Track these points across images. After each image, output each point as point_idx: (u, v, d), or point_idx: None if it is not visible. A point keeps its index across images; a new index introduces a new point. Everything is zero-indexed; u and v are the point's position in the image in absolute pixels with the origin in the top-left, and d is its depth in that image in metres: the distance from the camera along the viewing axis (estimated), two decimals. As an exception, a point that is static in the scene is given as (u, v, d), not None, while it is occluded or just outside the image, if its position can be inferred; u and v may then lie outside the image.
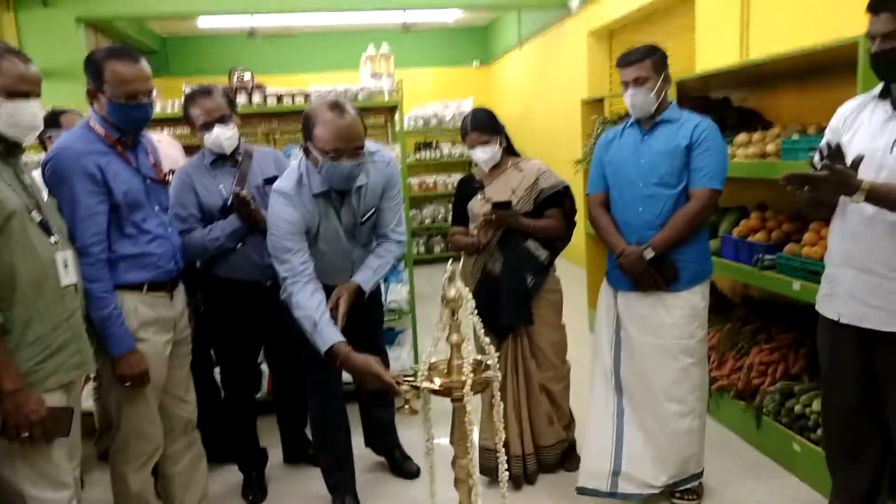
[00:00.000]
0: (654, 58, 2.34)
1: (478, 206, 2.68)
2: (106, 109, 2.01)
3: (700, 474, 2.54)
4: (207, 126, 2.51)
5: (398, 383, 1.78)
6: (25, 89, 1.70)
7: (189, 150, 3.10)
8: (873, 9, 1.81)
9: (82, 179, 1.94)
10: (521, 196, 2.64)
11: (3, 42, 1.76)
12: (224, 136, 2.52)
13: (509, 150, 2.73)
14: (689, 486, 2.52)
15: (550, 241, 2.67)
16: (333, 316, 2.18)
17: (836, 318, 1.98)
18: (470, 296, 1.66)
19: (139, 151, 2.14)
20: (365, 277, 2.37)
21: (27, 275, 1.69)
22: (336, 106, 2.14)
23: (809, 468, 2.59)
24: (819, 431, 2.55)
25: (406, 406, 1.73)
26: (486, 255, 2.67)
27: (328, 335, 2.09)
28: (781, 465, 2.77)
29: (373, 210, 2.41)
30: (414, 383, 1.71)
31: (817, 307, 2.07)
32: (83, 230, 1.94)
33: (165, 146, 3.05)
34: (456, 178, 7.96)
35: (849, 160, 1.82)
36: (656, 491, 2.47)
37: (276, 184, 2.32)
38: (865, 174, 1.85)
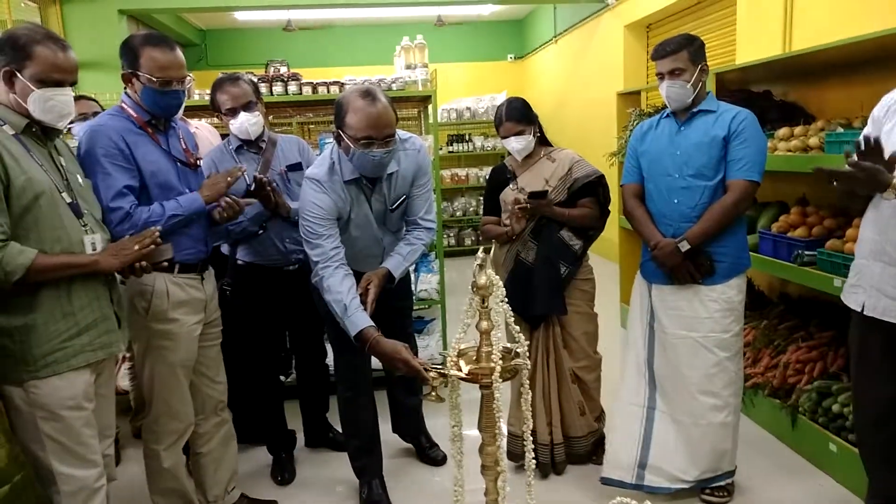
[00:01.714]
0: (691, 48, 2.29)
1: (510, 196, 2.66)
2: (140, 93, 2.06)
3: (732, 472, 2.49)
4: (233, 111, 2.56)
5: (426, 370, 1.79)
6: (58, 78, 1.72)
7: (225, 138, 3.14)
8: None
9: (110, 154, 1.98)
10: (555, 185, 2.61)
11: (43, 28, 1.79)
12: (249, 121, 2.56)
13: (542, 141, 2.71)
14: (720, 483, 2.47)
15: (584, 230, 2.64)
16: (363, 301, 2.19)
17: (859, 309, 1.94)
18: (500, 283, 1.65)
19: (170, 136, 2.18)
20: (395, 263, 2.38)
21: (55, 252, 1.72)
22: (368, 94, 2.15)
23: (846, 469, 2.51)
24: (858, 432, 2.48)
25: (433, 393, 1.74)
26: (520, 244, 2.66)
27: (358, 319, 2.11)
28: (817, 466, 2.70)
29: (403, 197, 2.41)
30: (441, 370, 1.72)
31: (842, 296, 2.03)
32: (107, 192, 1.97)
33: (205, 132, 3.12)
34: (487, 170, 7.94)
35: (888, 151, 1.77)
36: (686, 486, 2.43)
37: (308, 170, 2.35)
38: None
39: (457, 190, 8.12)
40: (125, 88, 2.11)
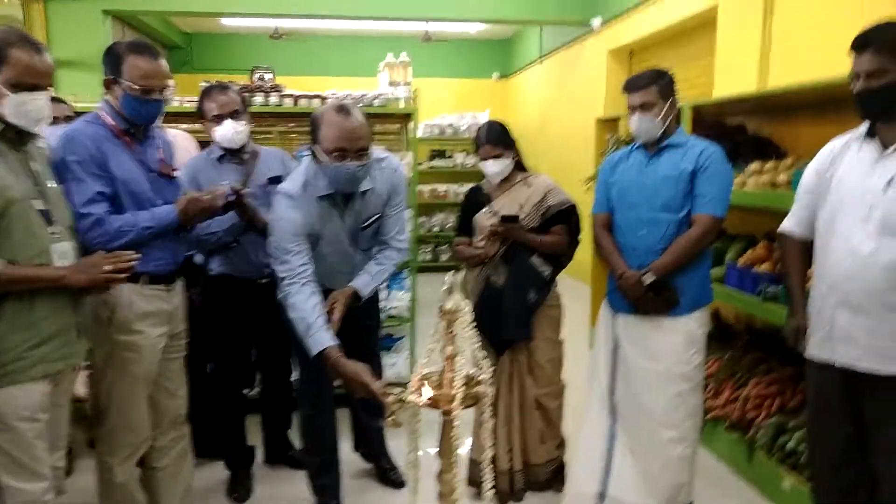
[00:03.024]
0: (661, 83, 2.34)
1: (484, 219, 2.68)
2: (120, 100, 2.05)
3: (690, 504, 2.51)
4: (219, 118, 2.55)
5: (385, 394, 1.76)
6: (32, 82, 1.70)
7: (204, 145, 3.13)
8: (856, 48, 1.83)
9: (83, 161, 1.97)
10: (528, 211, 2.63)
11: (17, 30, 1.76)
12: (235, 129, 2.57)
13: (519, 165, 2.73)
14: (677, 514, 2.49)
15: (554, 257, 2.67)
16: (328, 320, 2.18)
17: (830, 362, 1.95)
18: (468, 308, 1.65)
19: (147, 145, 2.16)
20: (363, 283, 2.38)
21: (24, 262, 1.70)
22: (342, 109, 2.17)
23: (799, 505, 2.55)
24: (812, 469, 2.51)
25: (391, 418, 1.72)
26: (490, 267, 2.67)
27: (321, 338, 2.10)
28: (770, 501, 2.73)
29: (376, 216, 2.42)
30: (400, 396, 1.70)
31: (809, 352, 2.03)
32: (79, 198, 1.95)
33: (182, 140, 3.09)
34: (467, 187, 7.95)
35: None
36: (643, 517, 2.44)
37: (280, 185, 2.34)
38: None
39: (435, 206, 8.14)
40: (105, 94, 2.10)
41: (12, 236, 1.68)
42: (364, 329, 2.63)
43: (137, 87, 2.01)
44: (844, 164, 1.96)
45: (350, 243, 2.40)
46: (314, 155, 2.24)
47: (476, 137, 2.68)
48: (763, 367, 3.17)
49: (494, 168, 2.63)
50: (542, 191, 2.66)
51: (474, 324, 2.39)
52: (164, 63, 2.09)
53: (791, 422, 2.75)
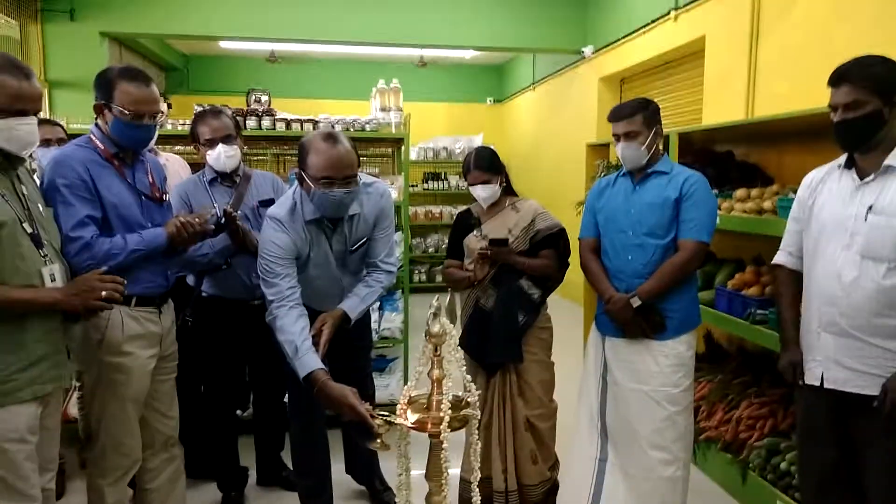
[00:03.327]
0: (646, 112, 2.39)
1: (474, 242, 2.71)
2: (110, 125, 2.08)
3: (681, 526, 2.52)
4: (212, 143, 2.60)
5: (372, 416, 1.77)
6: (20, 108, 1.72)
7: (196, 168, 3.16)
8: (834, 82, 1.90)
9: (72, 185, 1.99)
10: (517, 235, 2.67)
11: (5, 55, 1.76)
12: (227, 153, 2.61)
13: (508, 190, 2.78)
14: (668, 536, 2.49)
15: (543, 280, 2.70)
16: (316, 342, 2.20)
17: (818, 383, 1.98)
18: (454, 332, 1.67)
19: (137, 169, 2.19)
20: (352, 305, 2.40)
21: (11, 283, 1.71)
22: (330, 136, 2.21)
23: (791, 528, 2.56)
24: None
25: (379, 441, 1.72)
26: (480, 290, 2.70)
27: (308, 361, 2.10)
28: (764, 523, 2.74)
29: (364, 240, 2.46)
30: (388, 418, 1.70)
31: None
32: (67, 221, 1.96)
33: (175, 164, 3.13)
34: (461, 209, 8.02)
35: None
36: (634, 539, 2.44)
37: (270, 209, 2.37)
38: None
39: (430, 227, 8.18)
40: (96, 119, 2.13)
41: (2, 260, 1.70)
42: (355, 350, 2.65)
43: (128, 113, 2.05)
44: (825, 193, 2.03)
45: (338, 266, 2.44)
46: (301, 180, 2.27)
47: (465, 163, 2.72)
48: (754, 388, 3.20)
49: (483, 193, 2.67)
50: (531, 215, 2.70)
51: (464, 346, 2.42)
52: (154, 89, 2.12)
53: (783, 443, 2.78)
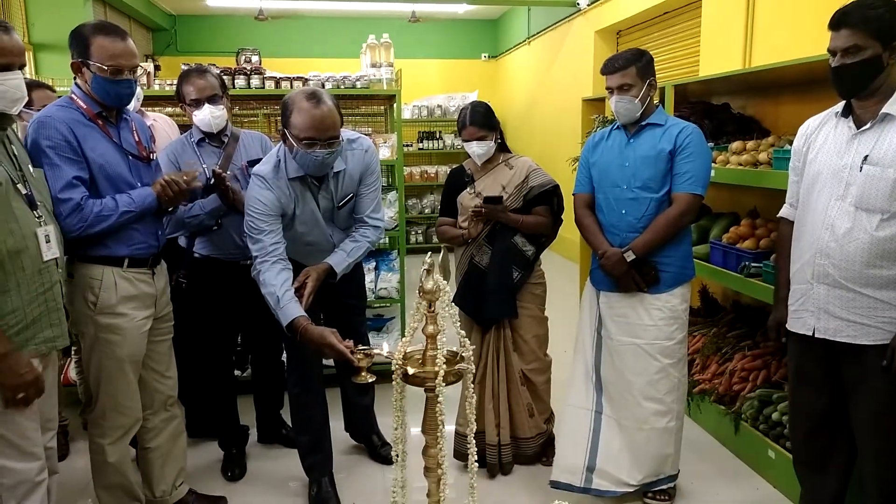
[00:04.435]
0: (639, 64, 2.34)
1: (468, 199, 2.70)
2: (90, 83, 2.04)
3: (675, 476, 2.57)
4: (198, 103, 2.56)
5: (353, 352, 1.89)
6: (4, 62, 1.69)
7: (185, 130, 3.12)
8: (833, 25, 1.86)
9: (57, 146, 1.96)
10: (510, 192, 2.66)
11: None
12: (213, 114, 2.57)
13: (502, 147, 2.75)
14: (662, 486, 2.54)
15: (537, 237, 2.69)
16: (300, 295, 2.24)
17: (809, 334, 2.00)
18: (447, 288, 1.68)
19: (122, 128, 2.16)
20: (337, 259, 2.42)
21: (8, 246, 1.70)
22: (313, 96, 2.19)
23: (782, 475, 2.61)
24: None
25: (363, 374, 1.82)
26: (475, 248, 2.70)
27: (289, 310, 2.17)
28: (755, 471, 2.80)
29: (351, 196, 2.46)
30: (366, 350, 1.83)
31: (789, 325, 2.09)
32: (56, 183, 1.94)
33: (162, 124, 3.08)
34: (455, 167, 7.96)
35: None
36: (631, 489, 2.49)
37: (255, 167, 2.38)
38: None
39: (426, 187, 8.13)
40: (75, 79, 2.09)
41: None
42: (349, 308, 2.68)
43: (106, 68, 2.00)
44: (819, 141, 2.00)
45: (326, 223, 2.45)
46: (284, 138, 2.27)
47: (459, 119, 2.69)
48: (748, 341, 3.23)
49: (478, 150, 2.65)
50: (525, 172, 2.68)
51: (459, 302, 2.44)
52: (131, 43, 2.07)
53: (775, 394, 2.81)
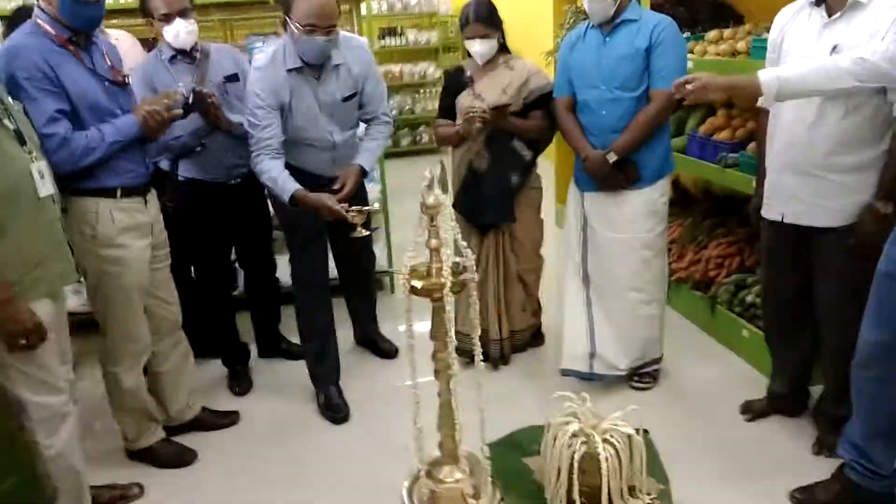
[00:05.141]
0: None
1: (468, 101, 2.64)
2: (56, 6, 1.92)
3: (659, 359, 2.76)
4: (168, 17, 2.43)
5: (347, 211, 2.29)
6: None
7: (146, 44, 2.97)
8: None
9: (34, 77, 1.88)
10: (511, 95, 2.62)
11: None
12: (186, 29, 2.47)
13: (503, 47, 2.68)
14: (648, 370, 2.73)
15: (534, 141, 2.71)
16: (338, 193, 2.40)
17: (780, 219, 2.13)
18: (448, 202, 1.71)
19: (94, 52, 2.06)
20: (366, 159, 2.57)
21: (2, 185, 1.66)
22: None
23: (755, 352, 2.81)
24: (767, 319, 2.77)
25: (358, 229, 2.28)
26: (473, 153, 2.70)
27: (288, 186, 2.37)
28: (730, 349, 3.00)
29: (354, 93, 2.51)
30: (359, 208, 2.32)
31: (762, 213, 2.21)
32: (38, 118, 1.88)
33: (126, 43, 2.92)
34: (423, 67, 7.72)
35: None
36: (622, 373, 2.68)
37: (254, 61, 2.48)
38: None
39: (391, 88, 7.88)
40: (38, 2, 1.96)
41: None
42: (362, 270, 2.95)
43: None
44: (793, 31, 2.04)
45: (328, 121, 2.47)
46: (285, 25, 2.34)
47: (462, 15, 2.59)
48: (722, 229, 3.36)
49: (481, 49, 2.59)
50: (525, 74, 2.64)
51: (458, 207, 2.54)
52: None
53: (749, 278, 2.98)
